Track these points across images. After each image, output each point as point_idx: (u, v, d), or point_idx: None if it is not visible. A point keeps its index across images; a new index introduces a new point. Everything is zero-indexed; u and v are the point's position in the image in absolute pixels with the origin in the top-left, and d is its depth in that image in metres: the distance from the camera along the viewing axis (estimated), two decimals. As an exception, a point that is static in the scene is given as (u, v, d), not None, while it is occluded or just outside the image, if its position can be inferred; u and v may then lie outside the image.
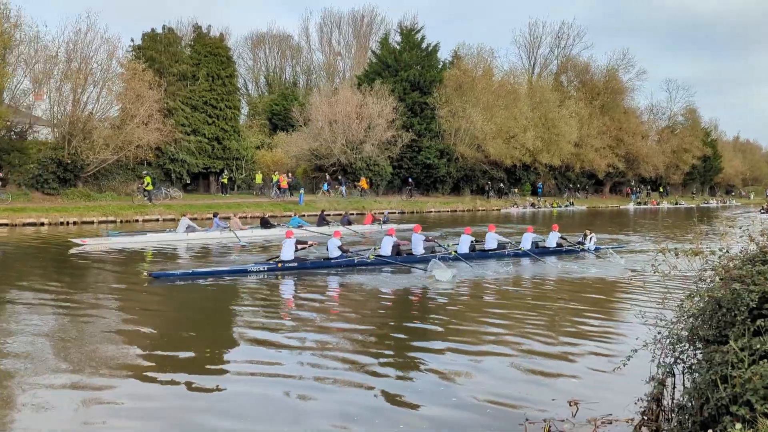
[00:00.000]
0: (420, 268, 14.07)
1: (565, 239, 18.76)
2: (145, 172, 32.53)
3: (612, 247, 19.86)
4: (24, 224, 25.03)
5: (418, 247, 15.79)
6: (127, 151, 31.65)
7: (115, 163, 32.45)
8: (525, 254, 17.12)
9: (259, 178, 40.05)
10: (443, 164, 48.09)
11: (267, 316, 10.17)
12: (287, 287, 13.05)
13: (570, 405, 5.73)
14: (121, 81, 32.39)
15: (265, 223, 23.66)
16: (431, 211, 42.64)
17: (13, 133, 30.83)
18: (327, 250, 15.10)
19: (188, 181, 38.08)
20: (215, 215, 22.91)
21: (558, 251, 18.19)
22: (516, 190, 54.59)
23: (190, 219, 22.44)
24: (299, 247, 14.49)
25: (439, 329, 9.17)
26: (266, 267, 13.90)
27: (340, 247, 14.78)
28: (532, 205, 50.57)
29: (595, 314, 10.29)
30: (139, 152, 32.19)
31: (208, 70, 37.96)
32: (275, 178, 38.94)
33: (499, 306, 10.99)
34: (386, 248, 15.24)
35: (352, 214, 29.89)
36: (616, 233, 27.07)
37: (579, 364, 7.43)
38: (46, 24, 67.19)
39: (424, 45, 50.66)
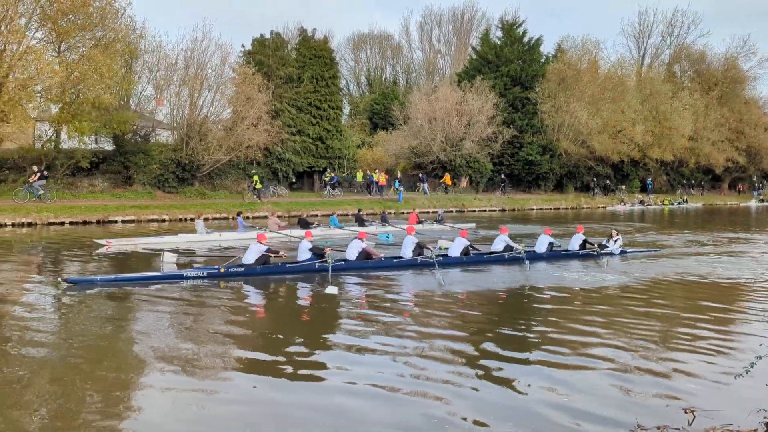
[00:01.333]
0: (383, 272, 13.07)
1: (589, 243, 16.76)
2: (254, 171, 34.18)
3: (642, 251, 17.67)
4: (148, 220, 27.05)
5: (407, 250, 14.50)
6: (238, 151, 33.35)
7: (228, 162, 34.30)
8: (537, 257, 15.63)
9: (360, 176, 40.90)
10: (546, 160, 46.92)
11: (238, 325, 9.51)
12: (254, 293, 11.81)
13: (686, 413, 5.55)
14: (233, 85, 34.17)
15: (304, 224, 22.59)
16: (533, 209, 41.79)
17: (138, 136, 33.39)
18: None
19: (293, 180, 39.58)
20: (239, 214, 22.28)
21: (577, 255, 16.40)
22: (623, 186, 52.24)
23: (203, 219, 21.47)
24: (272, 256, 13.12)
25: (529, 334, 9.04)
26: (206, 272, 12.42)
27: (311, 250, 13.33)
28: (641, 202, 48.25)
29: (709, 319, 9.73)
30: (249, 152, 33.77)
31: (312, 72, 39.21)
32: (327, 177, 38.54)
33: (591, 311, 10.56)
34: (351, 253, 13.87)
35: (450, 211, 29.77)
36: (737, 232, 25.36)
37: (694, 370, 7.11)
38: (167, 34, 72.07)
39: (525, 39, 49.65)
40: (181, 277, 12.18)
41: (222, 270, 12.48)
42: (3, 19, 23.90)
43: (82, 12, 26.90)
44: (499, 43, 49.80)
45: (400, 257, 14.60)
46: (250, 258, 12.84)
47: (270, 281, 12.63)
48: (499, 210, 39.60)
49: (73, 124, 28.20)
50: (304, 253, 13.29)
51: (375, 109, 55.54)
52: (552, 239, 16.46)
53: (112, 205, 27.96)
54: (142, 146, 32.70)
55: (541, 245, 16.17)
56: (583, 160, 48.71)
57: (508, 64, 47.68)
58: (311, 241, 13.79)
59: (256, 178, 32.98)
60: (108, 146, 33.43)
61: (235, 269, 12.64)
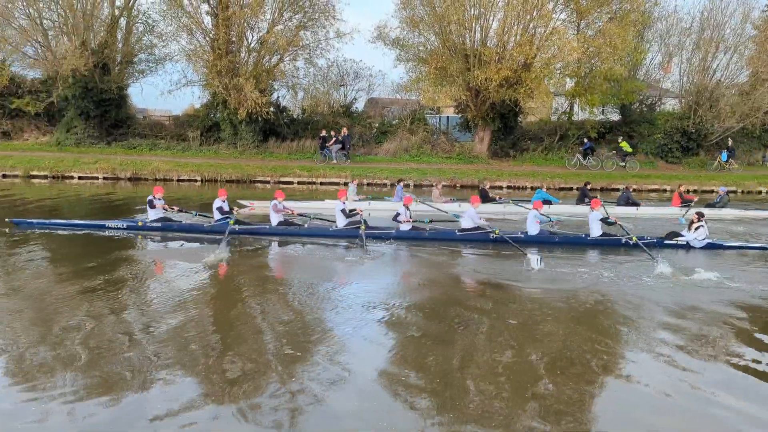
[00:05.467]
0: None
1: (608, 221, 12.85)
2: (621, 138, 30.40)
3: (745, 246, 12.88)
4: (648, 190, 27.20)
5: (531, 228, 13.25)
6: (753, 117, 30.15)
7: (740, 131, 31.44)
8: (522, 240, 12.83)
9: None
10: None
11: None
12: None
13: None
14: (753, 44, 30.80)
15: (483, 196, 18.10)
16: None
17: (644, 105, 33.63)
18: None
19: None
20: (399, 182, 20.00)
21: (607, 242, 12.76)
22: None
23: (356, 184, 19.99)
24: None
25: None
26: (125, 224, 13.76)
27: (219, 209, 13.97)
28: None
29: None
30: (767, 119, 30.14)
31: None
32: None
33: None
34: (274, 219, 13.86)
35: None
36: None
37: None
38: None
39: None
40: (102, 227, 13.74)
41: (140, 224, 13.82)
42: (534, 6, 27.23)
43: (601, -12, 28.35)
44: None
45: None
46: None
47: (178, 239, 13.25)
48: None
49: (585, 97, 30.35)
50: (216, 214, 14.04)
51: None
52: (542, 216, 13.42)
53: (615, 173, 29.08)
54: (648, 115, 32.86)
55: (531, 225, 13.25)
56: None
57: None
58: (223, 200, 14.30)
59: (623, 144, 29.53)
60: (614, 116, 34.78)
61: (152, 224, 13.73)
